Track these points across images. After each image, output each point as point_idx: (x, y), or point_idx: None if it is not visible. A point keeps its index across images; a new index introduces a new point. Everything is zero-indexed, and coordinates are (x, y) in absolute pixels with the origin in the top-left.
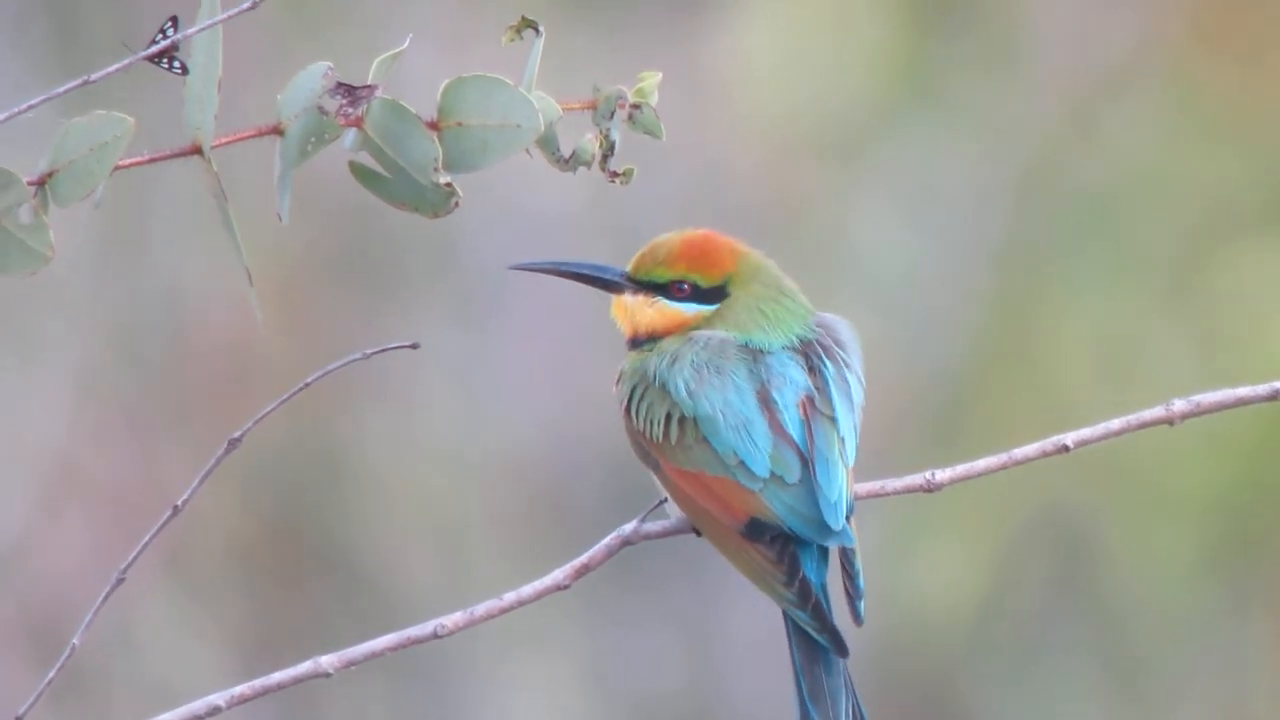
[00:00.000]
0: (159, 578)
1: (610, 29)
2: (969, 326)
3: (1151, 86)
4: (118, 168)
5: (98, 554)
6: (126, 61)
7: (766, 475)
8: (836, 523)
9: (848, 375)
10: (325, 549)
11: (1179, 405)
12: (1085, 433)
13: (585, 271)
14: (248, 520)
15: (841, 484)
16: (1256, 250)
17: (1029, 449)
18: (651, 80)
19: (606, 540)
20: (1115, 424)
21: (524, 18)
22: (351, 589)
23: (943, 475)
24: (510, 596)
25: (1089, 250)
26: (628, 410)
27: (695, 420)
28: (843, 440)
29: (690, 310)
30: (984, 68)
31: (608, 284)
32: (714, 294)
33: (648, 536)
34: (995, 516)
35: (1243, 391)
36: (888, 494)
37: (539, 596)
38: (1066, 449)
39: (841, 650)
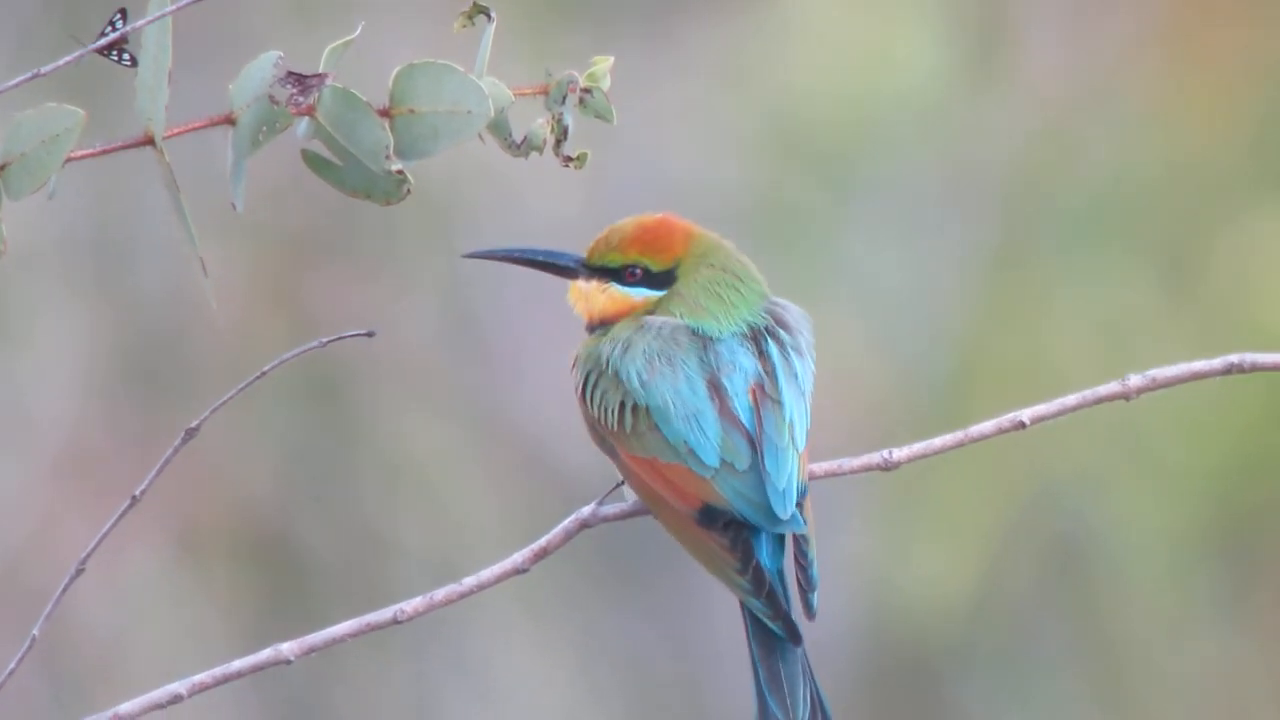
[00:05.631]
0: (166, 563)
1: (608, 32)
2: (964, 326)
3: (1136, 88)
4: (70, 159)
5: (98, 550)
6: (75, 55)
7: (717, 464)
8: (784, 511)
9: (793, 359)
10: (331, 535)
11: (1135, 380)
12: (1041, 409)
13: (541, 258)
14: (253, 506)
15: (790, 471)
16: (1250, 230)
17: (985, 426)
18: (603, 65)
19: (564, 523)
20: (1071, 399)
21: (475, 3)
22: (357, 578)
23: (900, 454)
24: (470, 581)
25: (1078, 247)
26: (583, 396)
27: (647, 409)
28: (791, 425)
29: (639, 295)
30: (971, 74)
31: (563, 270)
32: (663, 278)
33: (606, 519)
34: (986, 508)
35: (1198, 365)
36: (845, 473)
37: (498, 580)
38: (1023, 425)
39: (795, 638)
